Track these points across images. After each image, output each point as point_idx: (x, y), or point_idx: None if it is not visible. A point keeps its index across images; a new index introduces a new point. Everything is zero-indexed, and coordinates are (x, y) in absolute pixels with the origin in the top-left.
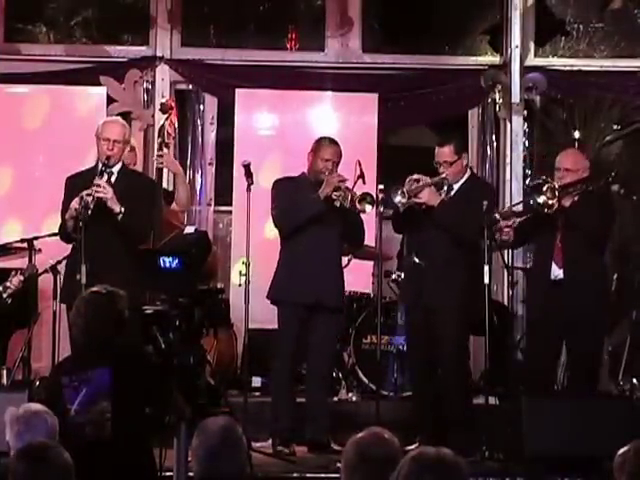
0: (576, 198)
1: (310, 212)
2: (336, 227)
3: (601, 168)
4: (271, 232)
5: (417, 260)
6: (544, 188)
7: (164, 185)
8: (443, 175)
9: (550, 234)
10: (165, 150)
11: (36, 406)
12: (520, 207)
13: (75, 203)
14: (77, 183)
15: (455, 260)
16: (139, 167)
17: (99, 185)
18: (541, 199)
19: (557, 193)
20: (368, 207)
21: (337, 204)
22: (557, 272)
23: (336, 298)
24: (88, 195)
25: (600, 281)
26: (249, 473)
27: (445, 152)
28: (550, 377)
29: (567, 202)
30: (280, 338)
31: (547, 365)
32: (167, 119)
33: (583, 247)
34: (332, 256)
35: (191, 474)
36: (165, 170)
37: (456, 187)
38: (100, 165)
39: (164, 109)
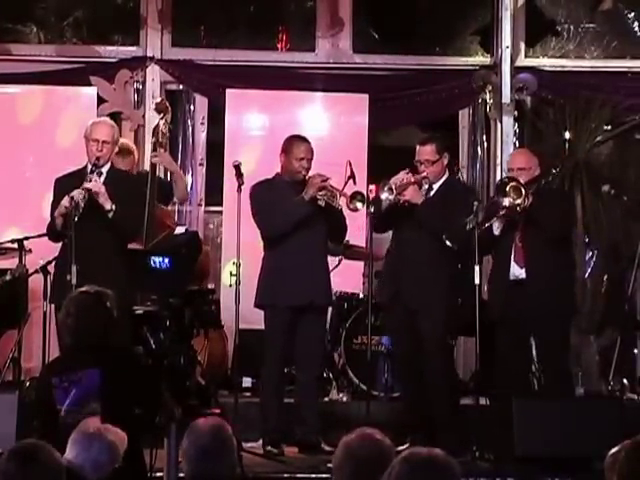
0: (532, 197)
1: (298, 216)
2: (321, 226)
3: (550, 165)
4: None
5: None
6: (507, 189)
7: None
8: (424, 174)
9: (508, 234)
10: (160, 150)
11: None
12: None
13: (66, 201)
14: (66, 184)
15: (435, 259)
16: None
17: (91, 182)
18: (506, 201)
19: (523, 191)
20: (359, 205)
21: (322, 204)
22: (518, 272)
23: (328, 297)
24: (79, 194)
25: (564, 278)
26: (239, 474)
27: (427, 151)
28: (523, 378)
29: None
30: (269, 341)
31: (518, 366)
32: (162, 119)
33: (546, 245)
34: (319, 255)
35: (182, 475)
36: (161, 168)
37: (435, 187)
38: (90, 166)
39: (159, 109)
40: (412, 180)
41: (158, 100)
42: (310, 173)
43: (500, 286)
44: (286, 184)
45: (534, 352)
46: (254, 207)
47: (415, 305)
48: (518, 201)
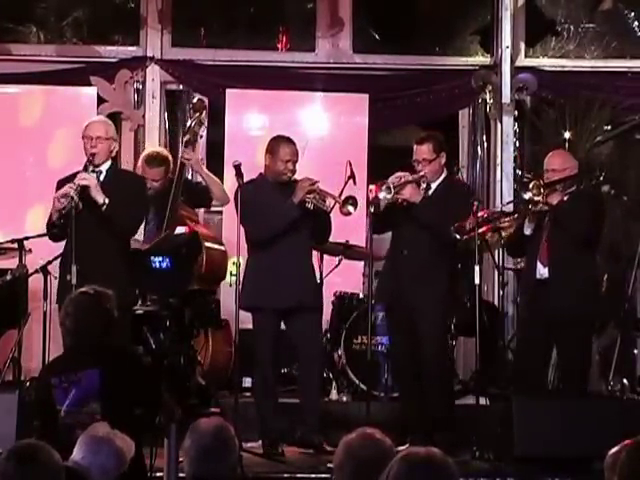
0: (565, 197)
1: (288, 219)
2: (306, 228)
3: (590, 168)
4: None
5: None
6: (530, 185)
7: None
8: (422, 173)
9: (537, 233)
10: (190, 149)
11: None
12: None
13: (60, 195)
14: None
15: (434, 259)
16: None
17: (82, 177)
18: (527, 195)
19: (542, 190)
20: (351, 209)
21: (310, 207)
22: (542, 271)
23: (316, 297)
24: (71, 188)
25: (587, 281)
26: (240, 474)
27: (424, 150)
28: (540, 377)
29: (554, 200)
30: (258, 344)
31: (536, 365)
32: (197, 119)
33: (569, 246)
34: (305, 257)
35: (182, 475)
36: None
37: (434, 186)
38: (85, 163)
39: (196, 108)
40: (410, 179)
41: (195, 100)
42: (309, 174)
43: (526, 285)
44: (270, 185)
45: (554, 352)
46: (242, 209)
47: (414, 304)
48: (537, 198)
